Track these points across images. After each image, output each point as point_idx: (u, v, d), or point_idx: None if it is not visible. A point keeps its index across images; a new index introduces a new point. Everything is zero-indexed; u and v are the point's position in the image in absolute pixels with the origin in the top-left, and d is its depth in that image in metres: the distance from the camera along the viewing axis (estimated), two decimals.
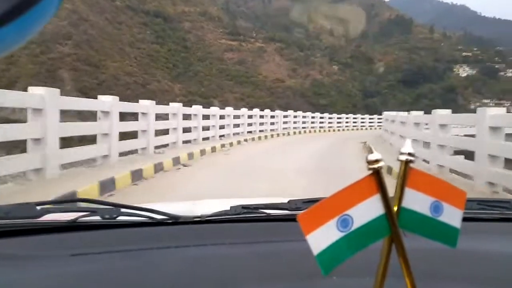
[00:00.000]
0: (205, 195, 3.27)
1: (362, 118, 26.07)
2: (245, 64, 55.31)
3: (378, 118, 26.24)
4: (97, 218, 0.71)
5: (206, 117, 10.39)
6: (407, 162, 0.35)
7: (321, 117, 21.56)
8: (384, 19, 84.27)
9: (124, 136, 6.25)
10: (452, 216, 0.37)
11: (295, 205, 0.78)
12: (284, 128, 17.32)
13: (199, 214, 0.75)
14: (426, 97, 57.27)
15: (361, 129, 24.28)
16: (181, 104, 8.83)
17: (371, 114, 28.32)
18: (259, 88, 51.27)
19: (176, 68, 48.53)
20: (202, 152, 8.09)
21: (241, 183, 4.82)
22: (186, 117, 9.15)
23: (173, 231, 0.72)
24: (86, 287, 0.54)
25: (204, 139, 10.12)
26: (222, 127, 11.49)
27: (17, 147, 5.28)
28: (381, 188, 0.34)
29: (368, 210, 0.34)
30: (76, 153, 4.75)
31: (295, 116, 18.83)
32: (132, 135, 6.78)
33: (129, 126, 6.44)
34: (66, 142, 4.87)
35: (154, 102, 7.29)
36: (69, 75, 33.50)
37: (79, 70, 36.10)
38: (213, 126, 10.79)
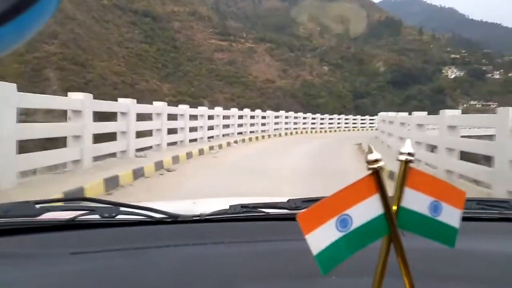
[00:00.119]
0: None
1: (354, 119, 25.80)
2: (235, 65, 54.97)
3: (370, 119, 26.06)
4: (96, 216, 0.71)
5: (194, 117, 9.85)
6: (406, 162, 0.36)
7: (313, 118, 21.19)
8: (373, 20, 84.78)
9: (102, 138, 5.63)
10: (451, 216, 0.38)
11: (294, 204, 0.77)
12: (275, 129, 16.91)
13: (198, 213, 0.75)
14: (415, 98, 57.72)
15: (353, 130, 23.99)
16: (165, 103, 8.19)
17: (361, 114, 28.03)
18: (249, 89, 50.94)
19: (165, 68, 47.90)
20: (189, 155, 7.51)
21: (230, 191, 4.28)
22: (172, 117, 8.60)
23: (173, 229, 0.72)
24: (85, 285, 0.54)
25: (191, 140, 9.56)
26: (211, 128, 10.98)
27: None
28: (381, 188, 0.34)
29: (367, 209, 0.35)
30: (38, 159, 4.09)
31: (286, 117, 18.48)
32: (112, 137, 6.16)
33: (105, 127, 5.78)
34: (35, 146, 4.25)
35: (135, 100, 6.66)
36: (55, 75, 32.65)
37: (66, 70, 35.25)
38: (201, 127, 10.23)
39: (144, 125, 7.29)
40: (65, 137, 4.75)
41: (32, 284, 0.53)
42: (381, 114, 12.68)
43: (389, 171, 4.87)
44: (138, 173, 5.11)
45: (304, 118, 20.28)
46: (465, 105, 49.54)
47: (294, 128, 18.73)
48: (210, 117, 10.93)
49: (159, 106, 7.91)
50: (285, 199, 0.80)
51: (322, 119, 22.11)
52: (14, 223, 0.67)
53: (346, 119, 24.98)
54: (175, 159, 6.71)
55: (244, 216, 0.75)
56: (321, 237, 0.34)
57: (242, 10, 78.76)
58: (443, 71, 73.59)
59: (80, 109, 4.82)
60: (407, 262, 0.36)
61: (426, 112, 7.11)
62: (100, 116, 6.47)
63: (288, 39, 65.75)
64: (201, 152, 8.25)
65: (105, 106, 6.01)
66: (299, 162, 7.26)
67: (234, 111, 13.23)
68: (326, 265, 0.34)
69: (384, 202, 0.35)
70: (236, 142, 11.30)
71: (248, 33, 63.43)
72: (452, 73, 73.75)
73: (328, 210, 0.34)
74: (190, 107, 9.97)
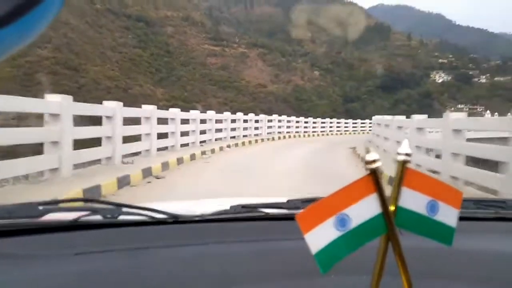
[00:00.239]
0: None
1: (345, 123, 25.87)
2: (228, 69, 54.91)
3: (362, 123, 26.33)
4: (98, 217, 0.72)
5: (185, 121, 9.49)
6: (404, 162, 0.36)
7: (305, 122, 21.23)
8: (363, 26, 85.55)
9: (86, 144, 5.24)
10: (448, 215, 0.38)
11: (294, 204, 0.78)
12: (268, 133, 16.71)
13: (199, 213, 0.76)
14: (404, 102, 58.25)
15: (345, 133, 23.98)
16: (155, 106, 7.82)
17: (352, 118, 28.26)
18: (242, 93, 50.84)
19: (159, 73, 47.56)
20: (179, 160, 7.18)
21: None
22: (163, 121, 8.24)
23: (174, 230, 0.73)
24: (88, 286, 0.54)
25: (182, 145, 9.26)
26: (203, 132, 10.76)
27: None
28: (378, 188, 0.35)
29: (365, 209, 0.35)
30: (7, 168, 3.66)
31: (279, 121, 18.43)
32: (98, 142, 5.76)
33: (86, 132, 5.37)
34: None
35: (121, 103, 6.28)
36: (48, 79, 32.11)
37: (59, 74, 34.75)
38: (193, 131, 9.92)
39: (132, 130, 6.90)
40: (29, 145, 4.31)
41: (35, 285, 0.54)
42: (376, 117, 12.44)
43: (389, 176, 4.51)
44: (123, 182, 4.72)
45: (297, 122, 20.30)
46: (452, 109, 50.26)
47: (287, 132, 18.68)
48: (203, 121, 10.71)
49: (147, 110, 7.51)
50: (284, 199, 0.82)
51: (314, 123, 22.16)
52: (18, 224, 0.68)
53: (338, 122, 25.08)
54: (165, 166, 6.34)
55: (245, 216, 0.76)
56: (320, 237, 0.34)
57: (234, 15, 78.92)
58: (431, 75, 74.55)
59: (58, 112, 4.42)
60: (405, 260, 0.36)
61: (426, 116, 6.85)
62: (89, 120, 6.08)
63: (280, 45, 66.02)
64: (192, 157, 7.94)
65: (87, 109, 5.62)
66: (295, 167, 6.97)
67: (226, 114, 13.00)
68: (325, 264, 0.35)
69: (382, 202, 0.35)
70: (229, 146, 11.09)
71: (241, 38, 63.50)
72: (439, 77, 74.71)
73: (327, 209, 0.35)
74: (183, 111, 9.62)
